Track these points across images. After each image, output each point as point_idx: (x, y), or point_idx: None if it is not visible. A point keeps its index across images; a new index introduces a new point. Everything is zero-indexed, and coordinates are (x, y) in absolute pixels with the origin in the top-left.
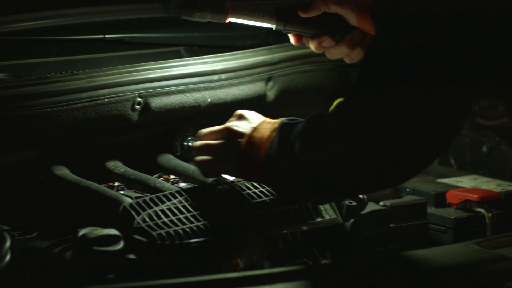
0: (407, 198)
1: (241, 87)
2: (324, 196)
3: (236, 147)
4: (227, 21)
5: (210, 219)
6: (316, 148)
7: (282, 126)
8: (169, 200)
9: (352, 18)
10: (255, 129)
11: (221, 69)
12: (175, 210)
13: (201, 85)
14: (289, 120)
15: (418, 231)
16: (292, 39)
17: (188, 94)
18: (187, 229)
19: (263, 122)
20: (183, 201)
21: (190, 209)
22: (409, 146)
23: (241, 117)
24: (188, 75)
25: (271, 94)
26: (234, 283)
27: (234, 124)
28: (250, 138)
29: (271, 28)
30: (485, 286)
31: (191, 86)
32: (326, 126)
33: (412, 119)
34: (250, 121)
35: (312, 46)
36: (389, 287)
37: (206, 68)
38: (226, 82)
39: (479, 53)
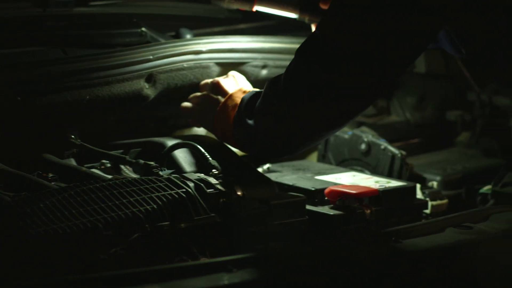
0: (286, 195)
1: (119, 85)
2: (271, 154)
3: (214, 108)
4: (254, 10)
5: (88, 217)
6: (256, 117)
7: (246, 96)
8: (48, 198)
9: None
10: (230, 96)
11: (98, 66)
12: (53, 208)
13: (78, 83)
14: (255, 92)
15: (297, 228)
16: (314, 29)
17: (65, 93)
18: (66, 227)
19: (239, 90)
20: (61, 199)
21: (69, 207)
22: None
23: (232, 77)
24: (66, 73)
25: (150, 92)
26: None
27: (222, 80)
28: (224, 105)
29: (295, 18)
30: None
31: (68, 84)
32: (261, 100)
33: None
34: (236, 84)
35: None
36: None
37: (83, 66)
38: (104, 79)
39: None
